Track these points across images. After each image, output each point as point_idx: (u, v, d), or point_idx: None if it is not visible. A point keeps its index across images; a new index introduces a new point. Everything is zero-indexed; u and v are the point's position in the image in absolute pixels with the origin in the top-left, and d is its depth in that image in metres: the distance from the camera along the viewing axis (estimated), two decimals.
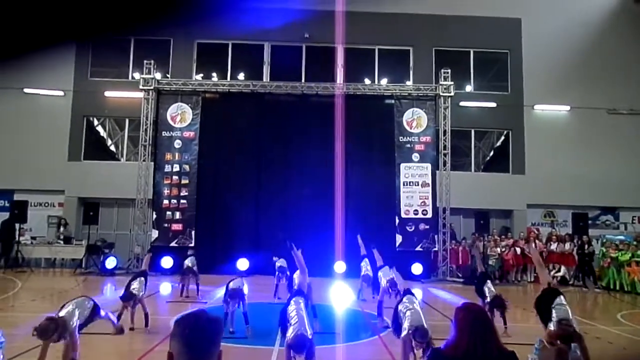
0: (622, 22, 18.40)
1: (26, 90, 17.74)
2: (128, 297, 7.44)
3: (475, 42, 18.22)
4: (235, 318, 7.59)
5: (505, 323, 7.53)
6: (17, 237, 15.28)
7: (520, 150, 18.03)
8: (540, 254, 15.58)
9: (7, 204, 17.02)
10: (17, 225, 15.38)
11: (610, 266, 14.30)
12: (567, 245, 15.45)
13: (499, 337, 2.47)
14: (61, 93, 17.90)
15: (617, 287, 14.06)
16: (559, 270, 15.51)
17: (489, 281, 8.36)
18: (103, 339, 7.03)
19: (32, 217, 16.28)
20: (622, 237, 16.43)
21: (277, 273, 10.49)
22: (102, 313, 5.71)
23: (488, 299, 7.83)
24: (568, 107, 18.15)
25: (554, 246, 15.63)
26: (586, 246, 15.12)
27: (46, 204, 17.66)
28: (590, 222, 16.41)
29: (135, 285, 7.63)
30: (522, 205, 17.68)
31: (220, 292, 10.92)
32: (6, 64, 16.46)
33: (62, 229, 16.49)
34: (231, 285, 7.71)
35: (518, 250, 15.62)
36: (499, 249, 15.56)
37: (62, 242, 16.00)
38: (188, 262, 11.04)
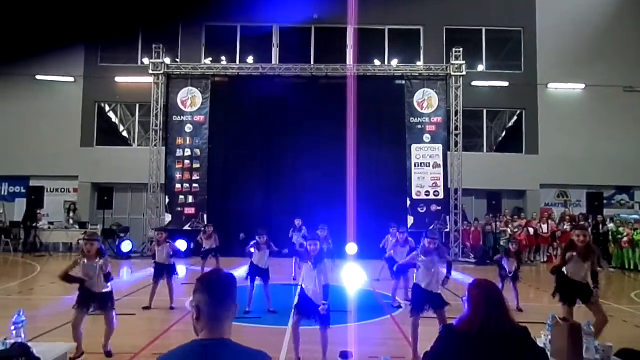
0: None
1: (38, 77, 17.89)
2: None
3: (487, 20, 17.87)
4: (254, 298, 7.72)
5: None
6: (35, 222, 15.55)
7: (534, 130, 17.79)
8: (554, 234, 15.55)
9: (23, 190, 17.33)
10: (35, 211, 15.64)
11: (627, 247, 14.16)
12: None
13: (511, 313, 2.47)
14: (72, 79, 18.02)
15: (632, 267, 13.95)
16: None
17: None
18: (119, 320, 7.19)
19: (48, 203, 16.58)
20: (636, 216, 16.24)
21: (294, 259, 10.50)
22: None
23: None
24: (583, 86, 17.81)
25: (567, 226, 15.50)
26: (601, 226, 14.98)
27: (62, 190, 17.95)
28: (605, 201, 16.22)
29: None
30: (535, 185, 17.52)
31: (236, 273, 11.10)
32: (19, 52, 16.63)
33: (71, 214, 16.74)
34: (255, 262, 7.87)
35: (531, 230, 15.54)
36: (509, 229, 15.50)
37: (77, 226, 16.26)
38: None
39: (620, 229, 14.71)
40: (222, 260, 11.71)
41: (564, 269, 5.67)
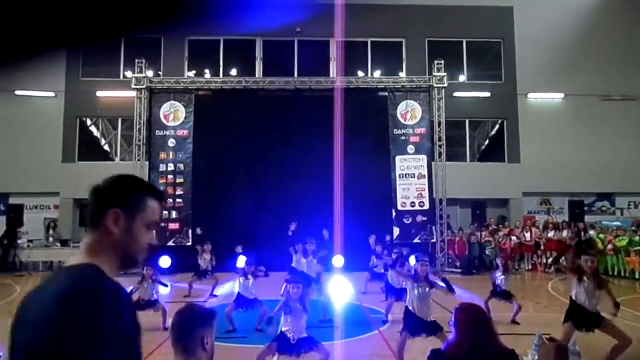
0: (614, 8, 18.37)
1: (17, 92, 17.61)
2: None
3: (467, 31, 18.18)
4: (238, 315, 7.63)
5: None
6: (14, 241, 15.18)
7: (515, 139, 18.05)
8: (537, 241, 15.72)
9: (2, 208, 16.95)
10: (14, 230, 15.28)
11: (611, 255, 14.36)
12: (565, 233, 15.52)
13: (498, 336, 2.47)
14: (52, 94, 17.77)
15: (615, 273, 14.15)
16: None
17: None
18: None
19: (28, 220, 16.24)
20: (618, 223, 16.51)
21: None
22: None
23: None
24: (562, 95, 18.17)
25: (550, 234, 15.70)
26: (582, 233, 15.19)
27: (42, 207, 17.60)
28: (586, 208, 16.50)
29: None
30: (518, 193, 17.74)
31: (219, 290, 10.98)
32: None
33: (51, 231, 16.39)
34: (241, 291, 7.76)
35: (515, 238, 15.69)
36: (492, 239, 15.65)
37: (58, 244, 15.92)
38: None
39: (601, 236, 14.95)
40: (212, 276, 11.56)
41: (574, 296, 5.57)
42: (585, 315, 5.47)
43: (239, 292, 7.87)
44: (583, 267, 5.43)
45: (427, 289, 5.54)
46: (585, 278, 5.40)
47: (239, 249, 11.51)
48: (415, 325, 5.50)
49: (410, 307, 5.59)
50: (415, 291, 5.54)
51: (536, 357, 3.31)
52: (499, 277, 8.46)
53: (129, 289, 7.79)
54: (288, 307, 5.01)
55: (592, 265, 5.41)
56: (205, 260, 11.09)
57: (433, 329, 5.48)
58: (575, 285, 5.45)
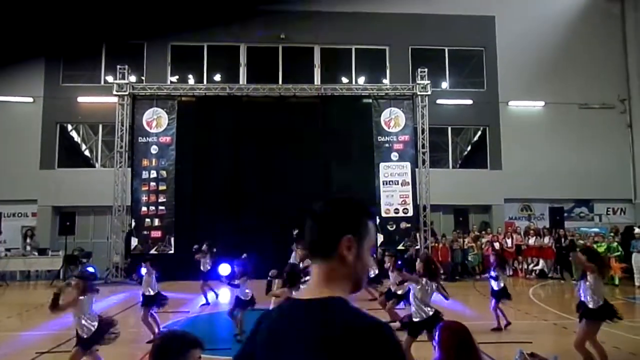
0: (593, 18, 18.81)
1: None
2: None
3: (450, 40, 18.40)
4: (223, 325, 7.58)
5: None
6: None
7: (497, 145, 18.30)
8: (519, 247, 15.93)
9: None
10: None
11: None
12: (546, 239, 15.75)
13: (480, 353, 2.48)
14: (30, 99, 17.41)
15: None
16: (537, 264, 15.82)
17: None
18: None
19: (5, 229, 15.82)
20: (597, 229, 16.84)
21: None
22: None
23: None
24: (542, 103, 18.50)
25: (532, 240, 15.92)
26: (562, 239, 15.44)
27: (19, 214, 17.18)
28: (565, 214, 16.77)
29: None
30: (500, 200, 17.97)
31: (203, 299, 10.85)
32: None
33: (28, 239, 16.00)
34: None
35: (497, 245, 15.85)
36: (474, 245, 15.83)
37: (36, 253, 15.55)
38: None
39: (580, 242, 15.20)
40: (188, 284, 11.44)
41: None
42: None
43: (236, 295, 7.94)
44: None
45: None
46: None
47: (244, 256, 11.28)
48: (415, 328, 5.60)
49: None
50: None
51: None
52: (493, 274, 8.46)
53: None
54: None
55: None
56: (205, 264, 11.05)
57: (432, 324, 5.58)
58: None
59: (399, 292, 8.38)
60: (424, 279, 5.84)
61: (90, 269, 13.92)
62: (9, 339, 7.72)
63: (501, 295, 8.43)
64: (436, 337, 2.56)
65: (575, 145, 17.96)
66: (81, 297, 5.31)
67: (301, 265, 8.50)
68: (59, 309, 5.25)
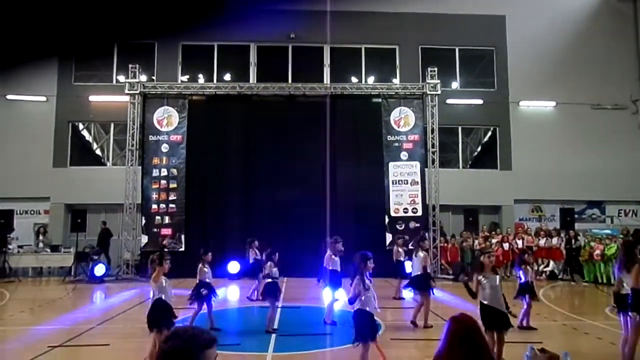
0: (605, 18, 18.64)
1: (9, 96, 17.47)
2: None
3: (460, 39, 18.34)
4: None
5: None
6: (4, 246, 14.99)
7: (507, 146, 18.19)
8: (530, 248, 15.81)
9: None
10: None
11: (598, 261, 14.45)
12: (555, 240, 15.63)
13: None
14: (44, 99, 17.65)
15: (605, 280, 14.25)
16: (547, 265, 15.70)
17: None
18: (92, 351, 6.97)
19: (18, 226, 16.03)
20: (608, 231, 16.66)
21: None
22: None
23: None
24: (553, 103, 18.36)
25: (542, 241, 15.80)
26: (573, 240, 15.30)
27: (32, 212, 17.42)
28: (576, 216, 16.61)
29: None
30: (510, 200, 17.86)
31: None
32: None
33: (41, 236, 16.21)
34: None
35: (506, 246, 15.76)
36: (485, 245, 15.70)
37: (48, 250, 15.76)
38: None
39: (592, 243, 15.06)
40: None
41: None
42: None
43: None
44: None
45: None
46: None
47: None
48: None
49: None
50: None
51: None
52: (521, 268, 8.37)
53: None
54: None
55: None
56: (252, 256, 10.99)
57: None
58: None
59: None
60: None
61: (100, 267, 14.12)
62: (22, 333, 7.84)
63: (529, 290, 8.31)
64: (444, 328, 2.55)
65: (587, 146, 17.80)
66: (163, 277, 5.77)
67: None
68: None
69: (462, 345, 2.38)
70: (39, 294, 12.98)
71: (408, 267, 14.10)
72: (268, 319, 7.89)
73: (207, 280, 7.80)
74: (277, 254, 8.30)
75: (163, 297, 5.78)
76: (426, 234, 10.07)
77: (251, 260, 11.27)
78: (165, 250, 6.09)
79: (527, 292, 8.29)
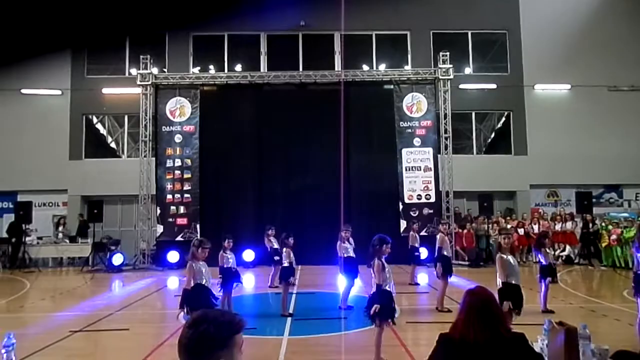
0: None
1: (24, 91, 17.71)
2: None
3: (472, 23, 18.06)
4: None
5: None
6: (23, 237, 15.31)
7: (522, 131, 17.95)
8: (546, 233, 15.65)
9: (11, 206, 17.10)
10: (23, 226, 15.40)
11: (615, 245, 14.26)
12: (569, 225, 15.46)
13: (506, 321, 2.44)
14: (59, 92, 17.86)
15: (623, 264, 14.06)
16: (563, 250, 15.54)
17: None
18: (112, 335, 7.10)
19: (37, 218, 16.35)
20: (626, 214, 16.41)
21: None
22: None
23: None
24: (568, 86, 18.02)
25: (558, 226, 15.63)
26: (590, 224, 15.11)
27: (50, 204, 17.74)
28: (594, 200, 16.36)
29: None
30: (525, 186, 17.66)
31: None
32: (3, 66, 16.46)
33: (61, 227, 16.52)
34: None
35: (522, 231, 15.63)
36: (497, 231, 15.61)
37: (67, 241, 16.06)
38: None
39: (609, 227, 14.85)
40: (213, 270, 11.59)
41: None
42: None
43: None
44: None
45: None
46: None
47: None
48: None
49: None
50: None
51: (546, 342, 3.30)
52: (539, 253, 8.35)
53: None
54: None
55: None
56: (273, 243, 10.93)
57: None
58: None
59: None
60: None
61: (118, 256, 14.35)
62: (44, 319, 8.02)
63: (550, 271, 8.28)
64: (461, 301, 2.56)
65: (604, 129, 17.48)
66: (201, 263, 5.91)
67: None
68: None
69: (478, 316, 2.40)
70: (59, 283, 13.26)
71: (423, 253, 14.18)
72: (282, 303, 7.96)
73: (230, 266, 7.82)
74: (291, 238, 8.35)
75: (204, 281, 5.92)
76: (440, 219, 10.10)
77: (269, 249, 11.32)
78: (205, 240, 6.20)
79: (548, 274, 8.24)
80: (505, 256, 6.04)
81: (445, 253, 8.81)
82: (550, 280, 8.26)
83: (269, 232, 11.35)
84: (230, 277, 7.67)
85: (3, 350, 3.26)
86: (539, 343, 3.37)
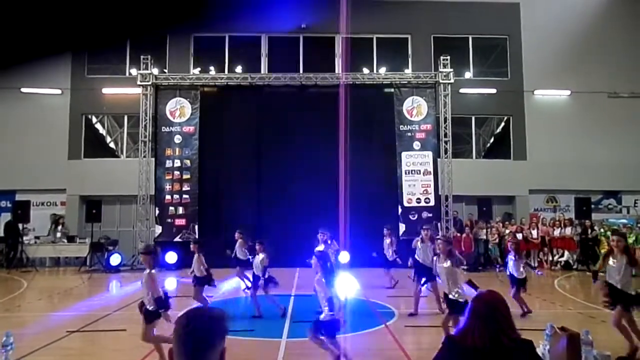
0: (621, 5, 18.23)
1: (23, 89, 17.66)
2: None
3: (473, 28, 18.08)
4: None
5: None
6: (20, 237, 15.25)
7: (521, 135, 17.96)
8: (542, 238, 15.67)
9: (9, 205, 17.03)
10: (20, 226, 15.33)
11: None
12: (568, 230, 15.45)
13: (514, 327, 2.38)
14: (58, 91, 17.82)
15: None
16: (562, 255, 15.53)
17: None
18: (109, 336, 7.06)
19: (34, 217, 16.26)
20: (624, 221, 16.42)
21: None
22: None
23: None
24: (568, 92, 18.05)
25: (557, 231, 15.63)
26: (589, 230, 15.11)
27: (48, 203, 17.65)
28: (593, 206, 16.37)
29: None
30: (524, 190, 17.66)
31: (226, 285, 10.99)
32: (3, 65, 16.43)
33: (59, 227, 16.45)
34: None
35: (520, 236, 15.60)
36: (496, 235, 15.65)
37: (65, 240, 15.99)
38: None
39: (608, 233, 14.82)
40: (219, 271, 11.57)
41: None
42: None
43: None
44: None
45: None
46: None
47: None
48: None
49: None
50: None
51: (548, 347, 3.28)
52: (510, 259, 8.33)
53: None
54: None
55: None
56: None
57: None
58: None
59: None
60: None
61: (116, 257, 14.31)
62: (41, 319, 7.98)
63: (522, 283, 8.27)
64: (469, 304, 2.52)
65: (603, 135, 17.50)
66: (153, 271, 5.59)
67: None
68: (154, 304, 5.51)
69: (482, 322, 2.35)
70: (56, 282, 13.19)
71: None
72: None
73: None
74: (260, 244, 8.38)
75: None
76: (425, 226, 10.01)
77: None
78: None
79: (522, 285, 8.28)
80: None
81: (417, 257, 8.80)
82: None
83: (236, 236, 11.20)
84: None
85: (2, 350, 3.23)
86: (541, 348, 3.35)
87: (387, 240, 11.37)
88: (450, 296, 5.78)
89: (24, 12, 15.32)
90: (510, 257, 8.48)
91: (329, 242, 10.16)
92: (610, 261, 5.67)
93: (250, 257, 9.81)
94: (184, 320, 1.57)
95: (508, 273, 8.49)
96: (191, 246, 8.63)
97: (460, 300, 5.58)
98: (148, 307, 5.45)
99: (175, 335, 1.54)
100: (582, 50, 17.86)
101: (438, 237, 6.80)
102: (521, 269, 8.32)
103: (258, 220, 15.23)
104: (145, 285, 5.46)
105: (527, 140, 17.88)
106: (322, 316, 5.20)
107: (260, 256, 8.16)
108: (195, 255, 8.26)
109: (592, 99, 17.70)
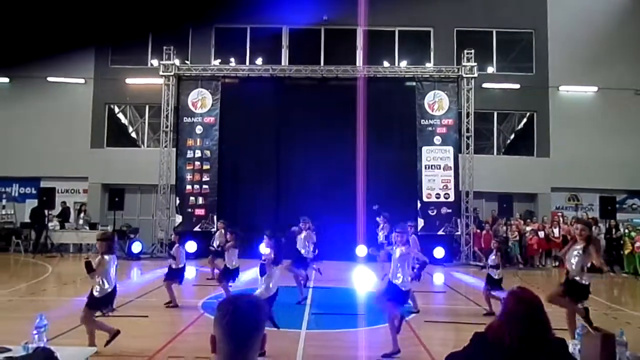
0: None
1: (49, 78, 17.98)
2: None
3: (498, 21, 17.77)
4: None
5: None
6: (46, 223, 15.60)
7: (545, 132, 17.65)
8: (564, 237, 15.40)
9: (34, 191, 17.42)
10: (45, 212, 15.68)
11: (638, 252, 13.95)
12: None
13: (550, 328, 2.31)
14: (82, 81, 18.10)
15: None
16: None
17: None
18: (133, 322, 7.18)
19: (58, 204, 16.63)
20: None
21: None
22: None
23: None
24: (595, 88, 17.64)
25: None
26: (614, 230, 14.81)
27: (72, 191, 18.04)
28: (617, 205, 16.04)
29: None
30: (547, 188, 17.37)
31: (245, 275, 11.08)
32: (30, 54, 16.73)
33: (82, 214, 16.78)
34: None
35: (542, 234, 15.39)
36: (516, 233, 15.42)
37: (87, 227, 16.31)
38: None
39: (632, 234, 14.52)
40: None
41: None
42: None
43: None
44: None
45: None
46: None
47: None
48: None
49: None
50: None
51: (578, 347, 3.23)
52: (491, 259, 8.10)
53: None
54: None
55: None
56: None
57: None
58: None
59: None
60: None
61: (137, 245, 14.54)
62: (65, 303, 8.15)
63: (496, 283, 7.96)
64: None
65: (629, 134, 17.10)
66: (105, 257, 5.63)
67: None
68: (94, 273, 5.62)
69: (523, 324, 2.26)
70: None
71: (440, 252, 14.07)
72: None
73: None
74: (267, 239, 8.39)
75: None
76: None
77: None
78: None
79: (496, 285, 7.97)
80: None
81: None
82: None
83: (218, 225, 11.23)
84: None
85: (35, 331, 3.31)
86: (571, 347, 3.30)
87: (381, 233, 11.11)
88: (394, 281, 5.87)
89: (50, 5, 15.55)
90: (491, 257, 8.23)
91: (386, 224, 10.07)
92: (575, 251, 5.74)
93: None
94: (229, 306, 1.55)
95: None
96: (227, 236, 8.53)
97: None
98: (94, 292, 5.57)
99: (220, 322, 1.53)
100: (608, 46, 17.41)
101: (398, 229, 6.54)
102: (497, 270, 8.02)
103: (276, 211, 15.28)
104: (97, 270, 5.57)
105: (550, 137, 17.56)
106: (399, 281, 5.63)
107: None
108: (231, 248, 8.25)
109: (619, 95, 17.28)
